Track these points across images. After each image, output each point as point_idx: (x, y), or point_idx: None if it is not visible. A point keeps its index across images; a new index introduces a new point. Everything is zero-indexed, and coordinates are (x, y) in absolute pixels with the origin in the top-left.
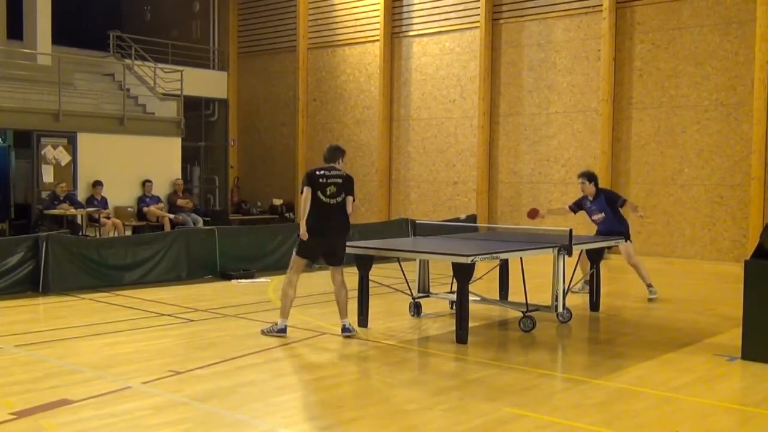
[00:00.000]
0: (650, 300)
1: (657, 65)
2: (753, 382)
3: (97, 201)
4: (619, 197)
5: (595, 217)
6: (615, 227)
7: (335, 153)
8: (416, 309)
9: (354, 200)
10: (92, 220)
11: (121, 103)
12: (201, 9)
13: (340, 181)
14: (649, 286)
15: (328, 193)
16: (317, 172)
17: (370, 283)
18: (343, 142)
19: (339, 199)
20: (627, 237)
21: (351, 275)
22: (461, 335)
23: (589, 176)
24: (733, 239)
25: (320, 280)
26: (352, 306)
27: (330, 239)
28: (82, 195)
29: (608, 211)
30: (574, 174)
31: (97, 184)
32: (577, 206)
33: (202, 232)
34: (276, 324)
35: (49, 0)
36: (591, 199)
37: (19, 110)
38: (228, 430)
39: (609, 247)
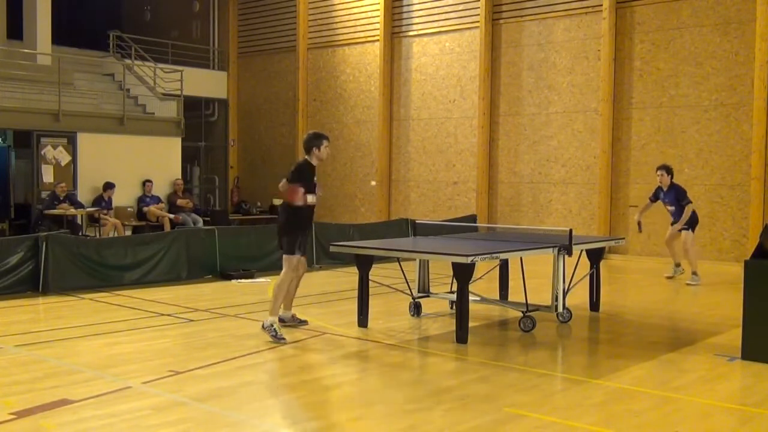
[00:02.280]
0: (688, 284)
1: (657, 65)
2: (753, 382)
3: (104, 201)
4: (685, 197)
5: (668, 209)
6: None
7: (309, 144)
8: (416, 309)
9: (288, 182)
10: (92, 220)
11: (121, 103)
12: (201, 9)
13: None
14: (693, 273)
15: None
16: None
17: (370, 283)
18: (343, 142)
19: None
20: (691, 227)
21: (351, 275)
22: (461, 335)
23: (668, 169)
24: (733, 239)
25: (320, 280)
26: (352, 306)
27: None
28: (82, 195)
29: (677, 206)
30: (574, 174)
31: (109, 186)
32: (654, 197)
33: (202, 232)
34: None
35: (49, 0)
36: (665, 190)
37: (19, 110)
38: (228, 430)
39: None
